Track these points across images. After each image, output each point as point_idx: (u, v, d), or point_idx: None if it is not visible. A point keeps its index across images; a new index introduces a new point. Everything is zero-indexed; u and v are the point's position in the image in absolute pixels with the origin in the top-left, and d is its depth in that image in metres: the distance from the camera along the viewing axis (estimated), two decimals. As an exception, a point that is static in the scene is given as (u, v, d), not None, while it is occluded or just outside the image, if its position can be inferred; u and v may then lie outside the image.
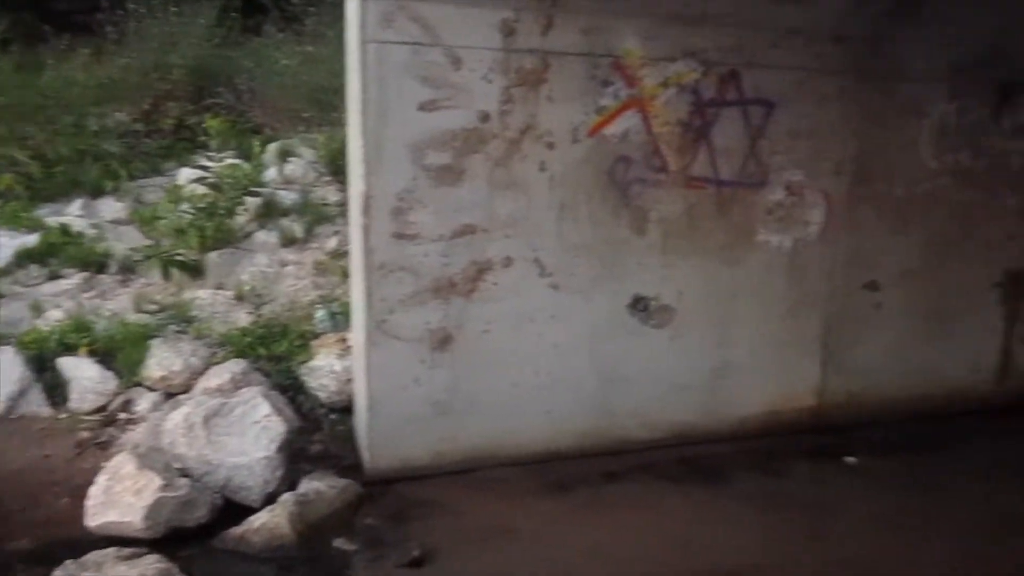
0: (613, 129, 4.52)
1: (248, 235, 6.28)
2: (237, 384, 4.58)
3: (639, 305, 4.74)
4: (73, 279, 5.62)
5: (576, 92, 4.41)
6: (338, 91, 5.96)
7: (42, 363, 4.75)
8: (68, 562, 3.37)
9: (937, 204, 5.45)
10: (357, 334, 4.62)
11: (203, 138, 7.38)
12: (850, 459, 4.95)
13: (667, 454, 4.86)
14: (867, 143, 5.16)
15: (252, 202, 6.44)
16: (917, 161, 5.34)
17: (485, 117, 4.24)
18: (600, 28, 4.39)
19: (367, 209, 4.12)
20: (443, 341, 4.35)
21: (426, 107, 4.13)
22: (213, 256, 5.92)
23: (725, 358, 5.02)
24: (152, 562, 3.39)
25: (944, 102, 5.35)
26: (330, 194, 6.85)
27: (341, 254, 5.88)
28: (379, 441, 4.35)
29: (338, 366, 4.92)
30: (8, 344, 4.79)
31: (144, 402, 4.65)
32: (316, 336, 5.25)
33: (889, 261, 5.36)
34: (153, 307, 5.38)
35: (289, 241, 6.27)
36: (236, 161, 6.92)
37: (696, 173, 4.76)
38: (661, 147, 4.64)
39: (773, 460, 4.90)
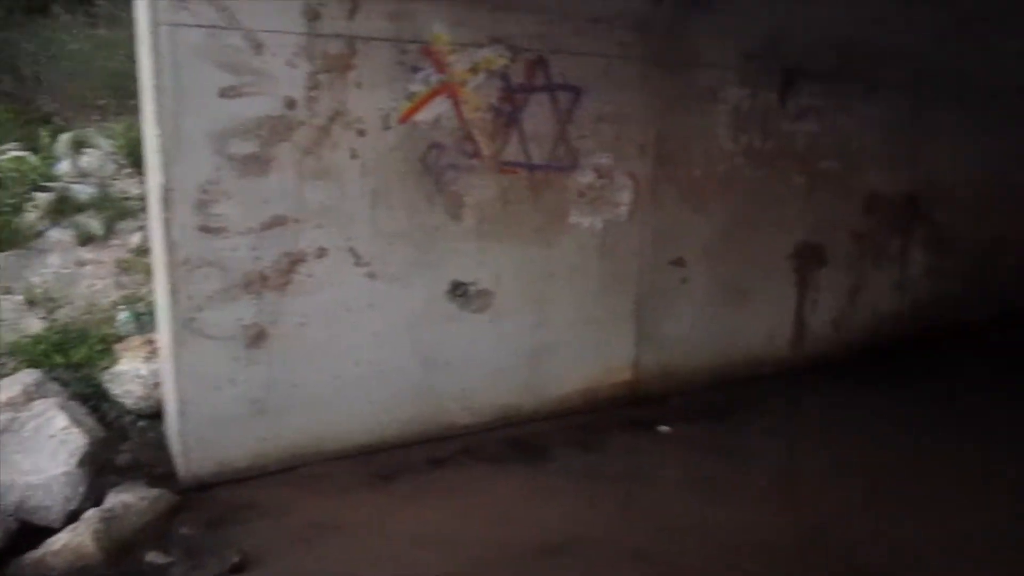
0: (424, 115, 4.50)
1: (39, 234, 5.82)
2: (30, 396, 4.23)
3: (457, 290, 4.77)
4: None
5: (385, 78, 4.35)
6: (136, 77, 5.60)
7: None
8: None
9: (734, 183, 5.82)
10: (164, 335, 4.38)
11: (-19, 129, 6.77)
12: (663, 428, 5.21)
13: (492, 436, 4.94)
14: (669, 127, 5.41)
15: (43, 198, 5.96)
16: (715, 143, 5.67)
17: (291, 104, 4.11)
18: (407, 13, 4.36)
19: (167, 202, 3.90)
20: (257, 337, 4.20)
21: (227, 94, 3.95)
22: (-2, 258, 5.45)
23: (544, 339, 5.14)
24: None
25: (737, 88, 5.71)
26: (132, 187, 6.46)
27: (145, 251, 5.55)
28: (193, 445, 4.15)
29: (145, 370, 4.66)
30: None
31: (-80, 422, 4.22)
32: (119, 339, 4.95)
33: (692, 238, 5.67)
34: (-72, 317, 4.90)
35: (87, 239, 5.86)
36: (21, 154, 6.38)
37: (509, 158, 4.83)
38: (473, 133, 4.67)
39: (593, 434, 5.08)
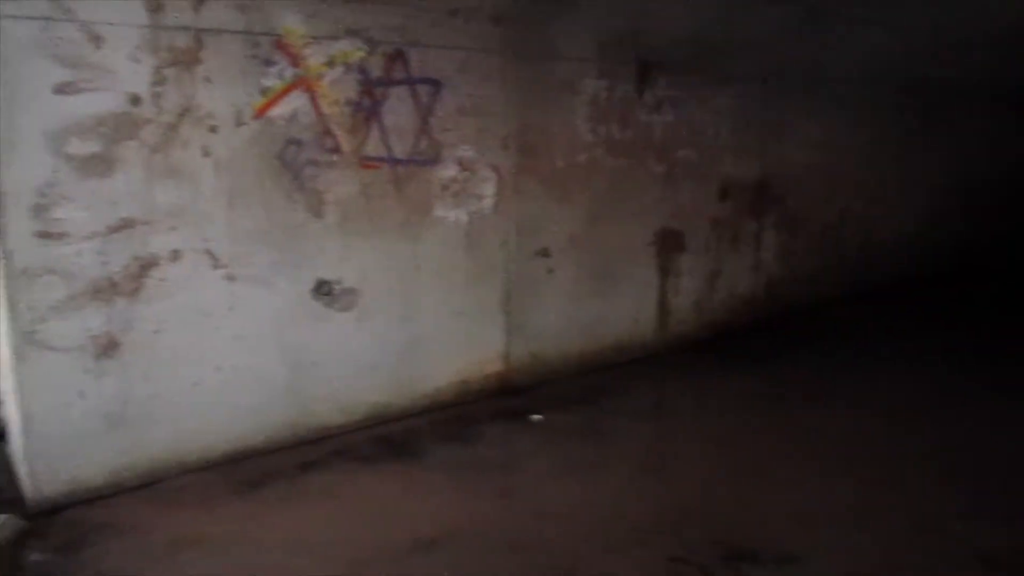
0: (280, 111, 4.38)
1: None
2: None
3: (322, 289, 4.67)
4: None
5: (237, 72, 4.20)
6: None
7: None
8: None
9: (595, 174, 5.93)
10: (4, 349, 4.09)
11: None
12: (536, 416, 5.27)
13: (365, 435, 4.88)
14: (529, 119, 5.47)
15: None
16: (575, 135, 5.76)
17: (136, 100, 3.91)
18: (257, 5, 4.21)
19: (0, 207, 3.64)
20: (109, 347, 3.98)
21: (64, 90, 3.72)
22: None
23: (413, 334, 5.11)
24: None
25: (595, 80, 5.81)
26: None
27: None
28: (42, 466, 3.90)
29: (-15, 387, 4.34)
30: None
31: None
32: (-45, 355, 4.59)
33: (557, 228, 5.76)
34: None
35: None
36: None
37: (370, 153, 4.76)
38: (332, 128, 4.57)
39: (466, 427, 5.09)
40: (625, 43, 5.87)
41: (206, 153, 4.15)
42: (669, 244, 6.59)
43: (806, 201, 7.87)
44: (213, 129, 4.15)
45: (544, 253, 5.71)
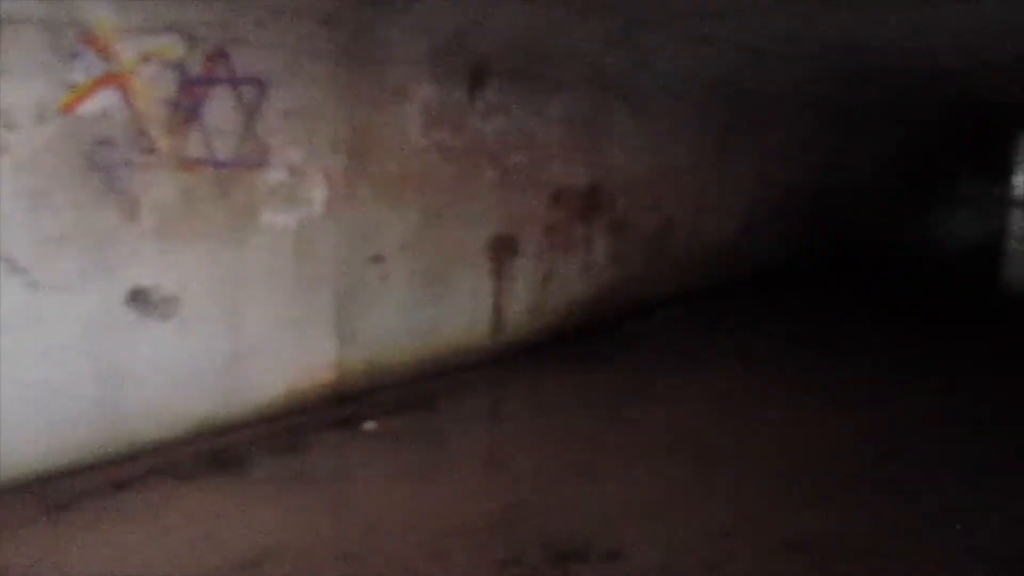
0: (89, 107, 4.10)
1: None
2: None
3: (139, 297, 4.42)
4: None
5: (38, 66, 3.90)
6: None
7: None
8: None
9: (429, 179, 5.93)
10: None
11: None
12: (369, 425, 5.20)
13: (187, 451, 4.64)
14: (361, 122, 5.39)
15: None
16: (408, 139, 5.74)
17: (-82, 93, 3.56)
18: (62, -7, 3.94)
19: None
20: None
21: None
22: None
23: (239, 343, 4.92)
24: None
25: (427, 84, 5.81)
26: None
27: None
28: None
29: None
30: None
31: None
32: None
33: (390, 234, 5.71)
34: None
35: None
36: None
37: (191, 154, 4.55)
38: (148, 127, 4.33)
39: (297, 438, 4.96)
40: (457, 49, 5.90)
41: (2, 151, 3.82)
42: (503, 249, 6.67)
43: (635, 206, 8.18)
44: (11, 126, 3.83)
45: (378, 259, 5.64)
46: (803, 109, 11.20)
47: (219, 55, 4.59)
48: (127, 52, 4.20)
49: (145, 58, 4.28)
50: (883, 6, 5.87)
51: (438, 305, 6.19)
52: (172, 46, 4.38)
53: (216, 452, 4.67)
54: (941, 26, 6.60)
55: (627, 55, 7.29)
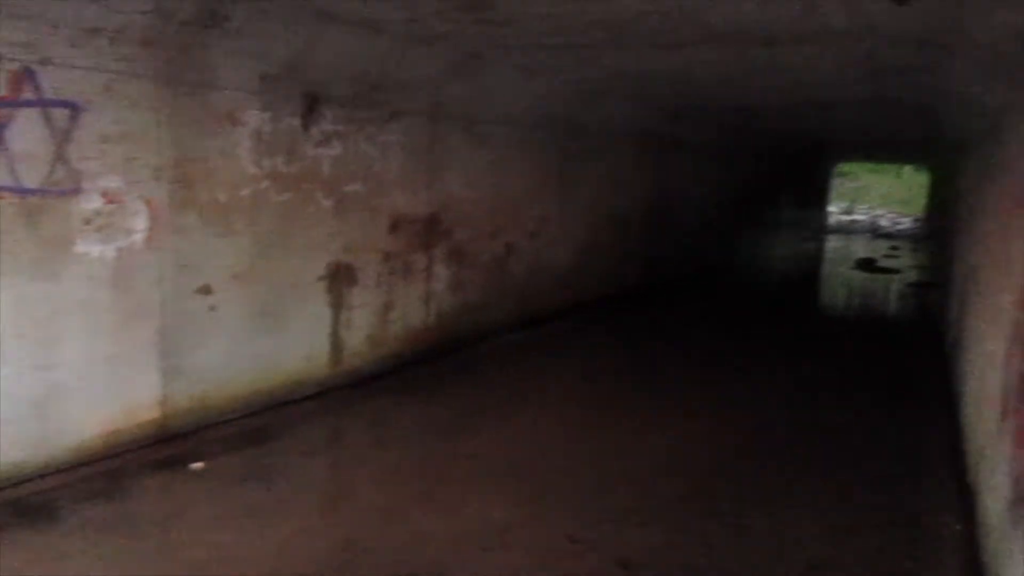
0: None
1: None
2: None
3: (-69, 338, 4.05)
4: None
5: None
6: None
7: None
8: None
9: (261, 207, 5.77)
10: None
11: None
12: (197, 465, 4.97)
13: (-10, 502, 4.28)
14: (187, 149, 5.19)
15: None
16: (238, 167, 5.56)
17: None
18: None
19: None
20: None
21: None
22: None
23: (51, 383, 4.59)
24: None
25: (259, 111, 5.67)
26: None
27: None
28: None
29: None
30: None
31: None
32: None
33: (220, 264, 5.50)
34: None
35: None
36: None
37: (-8, 182, 4.23)
38: (-58, 153, 4.00)
39: (115, 482, 4.66)
40: (290, 76, 5.80)
41: None
42: (341, 278, 6.58)
43: (475, 234, 8.26)
44: None
45: (206, 290, 5.42)
46: (638, 140, 11.72)
47: (25, 75, 4.31)
48: (-83, 71, 3.88)
49: (-62, 78, 3.96)
50: (709, 48, 6.22)
51: (273, 336, 6.01)
52: (-30, 65, 4.08)
53: (23, 501, 4.32)
54: (762, 67, 7.08)
55: (466, 86, 7.39)
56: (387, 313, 7.14)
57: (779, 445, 6.00)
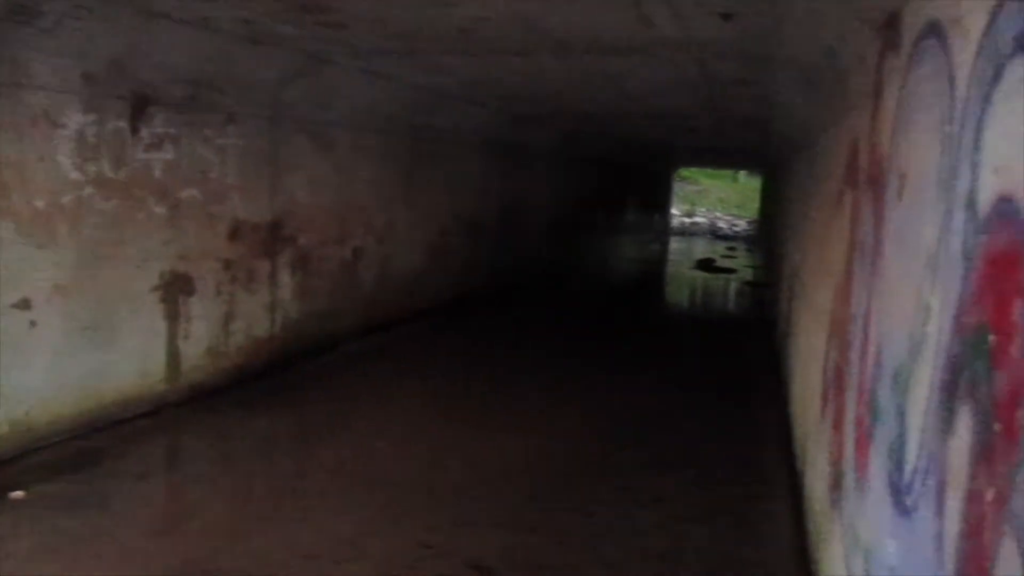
0: None
1: None
2: None
3: None
4: None
5: None
6: None
7: None
8: None
9: (85, 215, 5.42)
10: None
11: None
12: (16, 493, 4.60)
13: None
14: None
15: None
16: (58, 172, 5.20)
17: None
18: None
19: None
20: None
21: None
22: None
23: None
24: None
25: (80, 112, 5.32)
26: None
27: None
28: None
29: None
30: None
31: None
32: None
33: (40, 276, 5.12)
34: None
35: None
36: None
37: None
38: None
39: (-78, 517, 4.26)
40: (116, 75, 5.48)
41: None
42: (177, 288, 6.27)
43: (320, 240, 8.09)
44: None
45: (24, 305, 5.03)
46: (487, 145, 11.82)
47: None
48: None
49: None
50: (550, 56, 6.34)
51: (103, 351, 5.66)
52: None
53: None
54: (602, 76, 7.28)
55: (307, 89, 7.22)
56: (229, 323, 6.87)
57: (625, 442, 6.18)
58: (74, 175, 5.29)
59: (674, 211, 33.49)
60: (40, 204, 5.08)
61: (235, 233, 6.83)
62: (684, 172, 36.73)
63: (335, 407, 6.70)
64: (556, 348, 9.61)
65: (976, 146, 1.80)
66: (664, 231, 29.18)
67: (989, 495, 1.49)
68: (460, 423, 6.45)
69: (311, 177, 7.80)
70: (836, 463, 3.58)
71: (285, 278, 7.58)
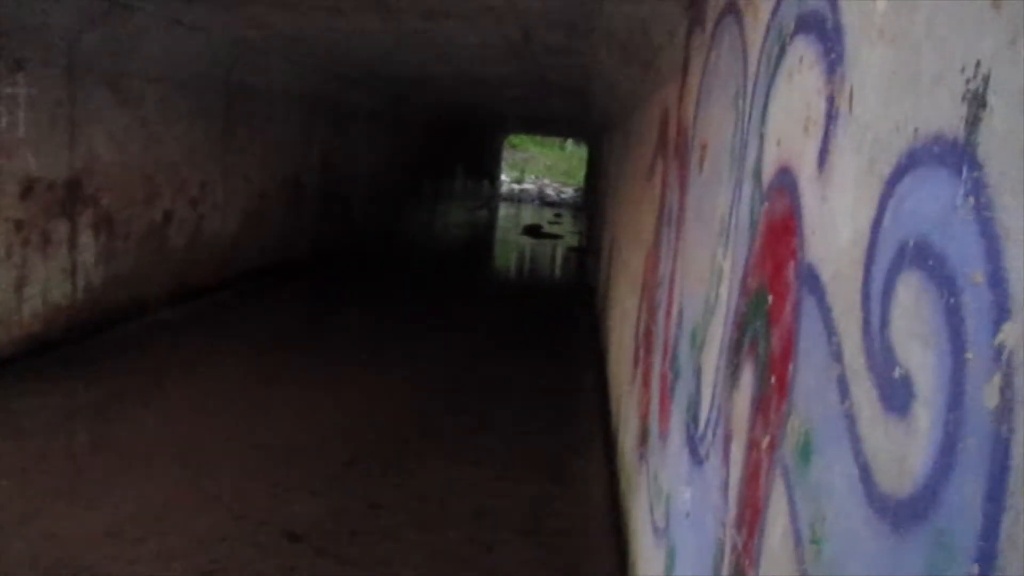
0: None
1: None
2: None
3: None
4: None
5: None
6: None
7: None
8: None
9: None
10: None
11: None
12: None
13: None
14: None
15: None
16: None
17: None
18: None
19: None
20: None
21: None
22: None
23: None
24: None
25: None
26: None
27: None
28: None
29: None
30: None
31: None
32: None
33: None
34: None
35: None
36: None
37: None
38: None
39: None
40: None
41: None
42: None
43: (126, 201, 7.57)
44: None
45: None
46: (310, 106, 11.44)
47: None
48: None
49: None
50: (371, 16, 6.19)
51: None
52: None
53: None
54: (424, 39, 7.19)
55: (108, 38, 6.70)
56: (21, 289, 6.33)
57: (450, 406, 6.24)
58: None
59: (503, 178, 33.88)
60: None
61: (28, 192, 6.28)
62: (513, 140, 37.18)
63: (141, 377, 6.34)
64: (379, 315, 9.52)
65: (763, 119, 1.92)
66: (493, 197, 29.47)
67: (764, 442, 1.61)
68: (276, 392, 6.28)
69: (115, 133, 7.27)
70: (643, 419, 3.77)
71: (87, 241, 7.05)
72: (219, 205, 9.31)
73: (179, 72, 8.02)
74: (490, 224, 23.88)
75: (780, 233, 1.67)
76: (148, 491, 4.38)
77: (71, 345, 6.80)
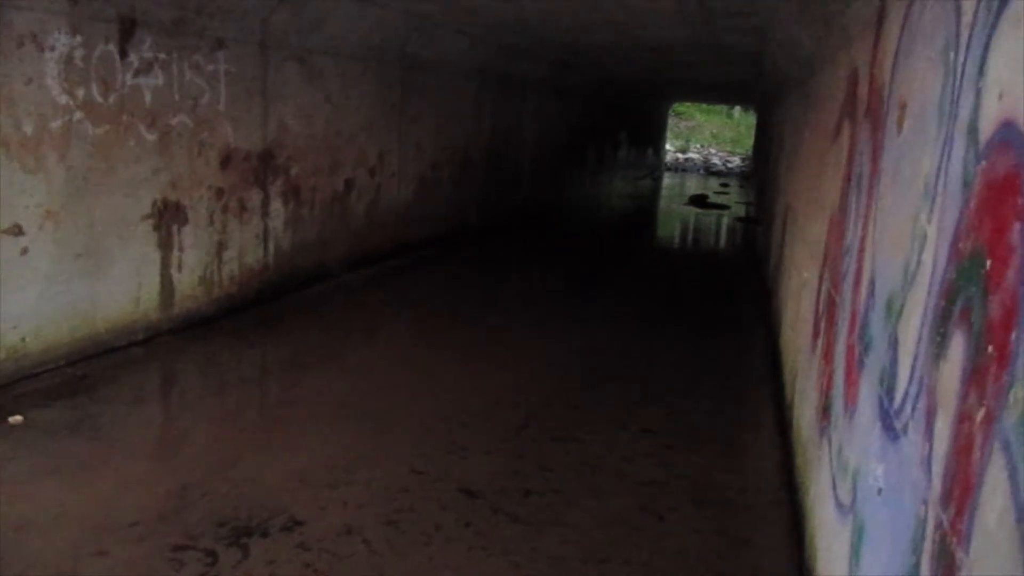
0: None
1: None
2: None
3: None
4: None
5: None
6: None
7: None
8: None
9: (75, 141, 5.35)
10: None
11: None
12: (14, 418, 4.64)
13: None
14: (-16, 76, 4.71)
15: None
16: (47, 96, 5.11)
17: None
18: None
19: None
20: None
21: None
22: None
23: None
24: None
25: (67, 35, 5.20)
26: None
27: None
28: None
29: None
30: None
31: None
32: None
33: (30, 203, 5.08)
34: None
35: None
36: None
37: None
38: None
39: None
40: (102, -3, 5.35)
41: None
42: (169, 217, 6.23)
43: (312, 170, 8.02)
44: None
45: (16, 231, 5.00)
46: (477, 77, 11.65)
47: None
48: None
49: None
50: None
51: (94, 280, 5.64)
52: None
53: None
54: (595, 5, 7.15)
55: (296, 15, 7.07)
56: (221, 252, 6.85)
57: (615, 373, 6.25)
58: (63, 99, 5.20)
59: (668, 147, 33.27)
60: (28, 129, 5.00)
61: (227, 162, 6.77)
62: (678, 107, 36.38)
63: (325, 337, 6.73)
64: (546, 283, 9.65)
65: (980, 72, 1.79)
66: (657, 167, 29.02)
67: (979, 415, 1.52)
68: (450, 355, 6.50)
69: (302, 106, 7.70)
70: (825, 392, 3.64)
71: (278, 208, 7.53)
72: (395, 174, 9.68)
73: (359, 47, 8.36)
74: (654, 194, 23.54)
75: (1002, 192, 1.56)
76: (334, 443, 4.66)
77: (261, 305, 7.30)
